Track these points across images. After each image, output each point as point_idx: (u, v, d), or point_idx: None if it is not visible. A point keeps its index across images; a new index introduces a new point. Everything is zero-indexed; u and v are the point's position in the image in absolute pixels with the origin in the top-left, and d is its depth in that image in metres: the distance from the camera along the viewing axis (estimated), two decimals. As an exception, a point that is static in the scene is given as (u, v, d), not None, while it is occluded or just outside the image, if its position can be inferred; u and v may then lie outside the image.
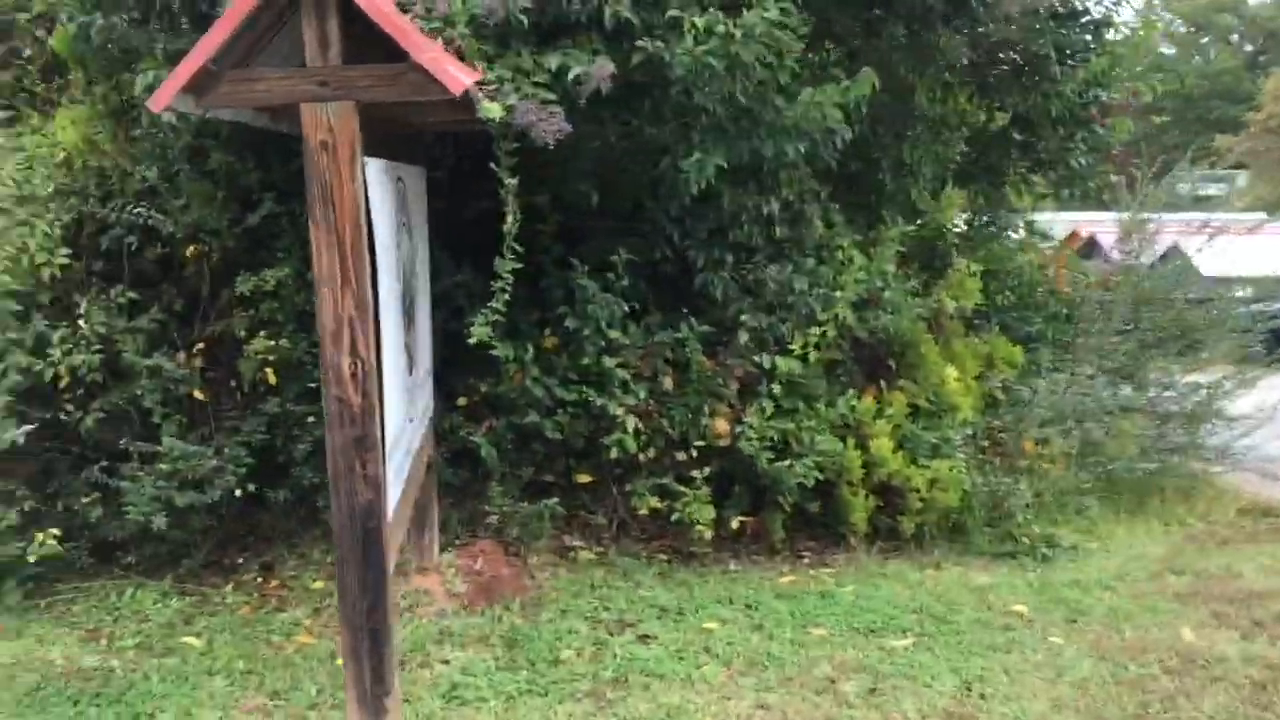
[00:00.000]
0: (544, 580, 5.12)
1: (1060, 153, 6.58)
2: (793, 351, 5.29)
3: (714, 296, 5.52)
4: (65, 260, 4.69)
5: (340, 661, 3.45)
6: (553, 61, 3.78)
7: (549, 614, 4.72)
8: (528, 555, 5.40)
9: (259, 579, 5.04)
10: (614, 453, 5.34)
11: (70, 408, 4.69)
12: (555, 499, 5.47)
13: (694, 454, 5.49)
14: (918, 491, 5.82)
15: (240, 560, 5.22)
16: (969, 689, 4.04)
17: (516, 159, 3.71)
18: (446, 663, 4.19)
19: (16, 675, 3.95)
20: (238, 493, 4.82)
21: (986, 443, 6.51)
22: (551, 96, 3.74)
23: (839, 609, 4.86)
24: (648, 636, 4.51)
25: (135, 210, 4.83)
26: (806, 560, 5.72)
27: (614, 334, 5.39)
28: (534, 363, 5.29)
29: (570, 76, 3.76)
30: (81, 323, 4.65)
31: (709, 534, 5.42)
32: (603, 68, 3.72)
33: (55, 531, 4.45)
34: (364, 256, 3.15)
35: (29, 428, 4.44)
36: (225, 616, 4.60)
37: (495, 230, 5.65)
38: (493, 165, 3.72)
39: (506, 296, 3.90)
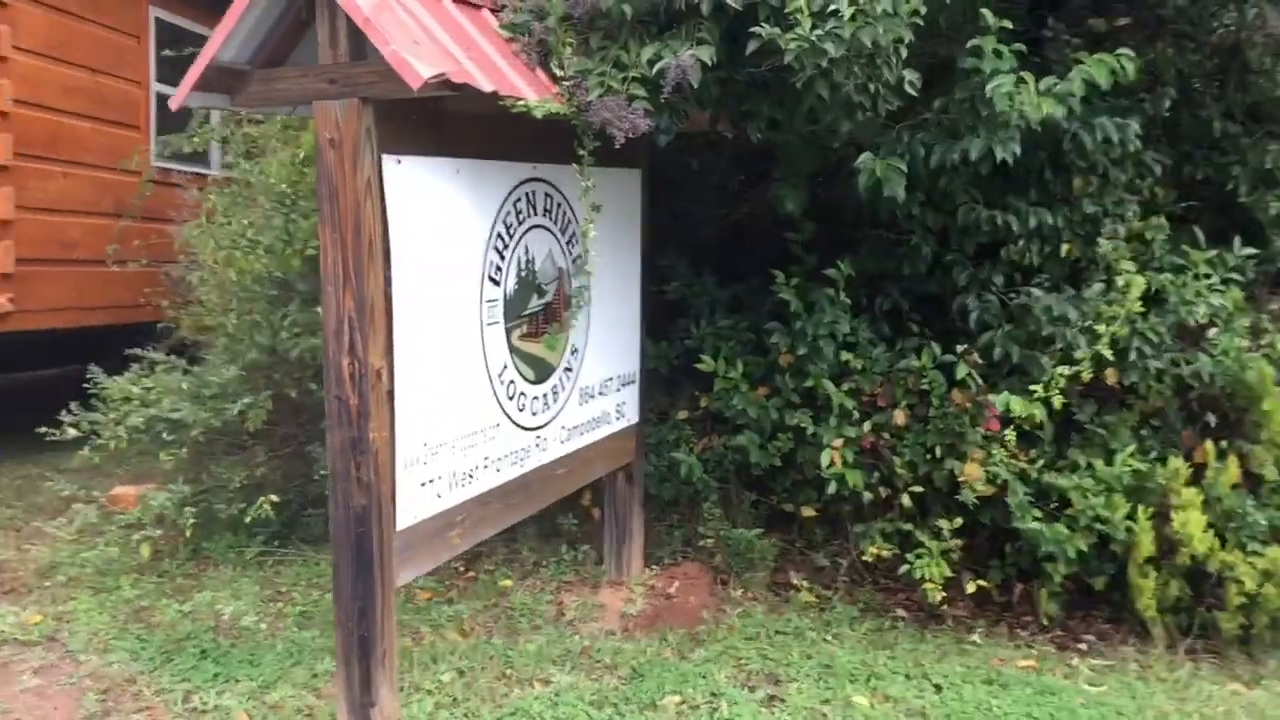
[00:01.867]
0: (731, 615, 4.73)
1: None
2: (1033, 394, 4.39)
3: (970, 323, 4.76)
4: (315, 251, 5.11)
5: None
6: (647, 53, 3.45)
7: (700, 653, 4.35)
8: (736, 586, 5.03)
9: (460, 566, 5.16)
10: (833, 487, 4.79)
11: (314, 386, 5.12)
12: (772, 531, 5.04)
13: (935, 502, 4.78)
14: (1240, 584, 4.61)
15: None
16: None
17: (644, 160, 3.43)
18: (546, 683, 4.02)
19: (179, 624, 4.39)
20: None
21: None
22: (641, 92, 3.42)
23: (1060, 710, 3.97)
24: (776, 700, 4.00)
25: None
26: (1083, 647, 4.75)
27: (846, 356, 4.84)
28: (743, 379, 4.89)
29: (655, 69, 3.41)
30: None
31: (938, 595, 4.68)
32: (683, 56, 3.32)
33: (274, 497, 4.86)
34: (367, 256, 3.08)
35: (258, 398, 4.91)
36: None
37: (748, 237, 5.37)
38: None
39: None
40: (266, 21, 3.17)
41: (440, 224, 3.41)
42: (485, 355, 3.70)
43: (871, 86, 3.45)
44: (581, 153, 3.45)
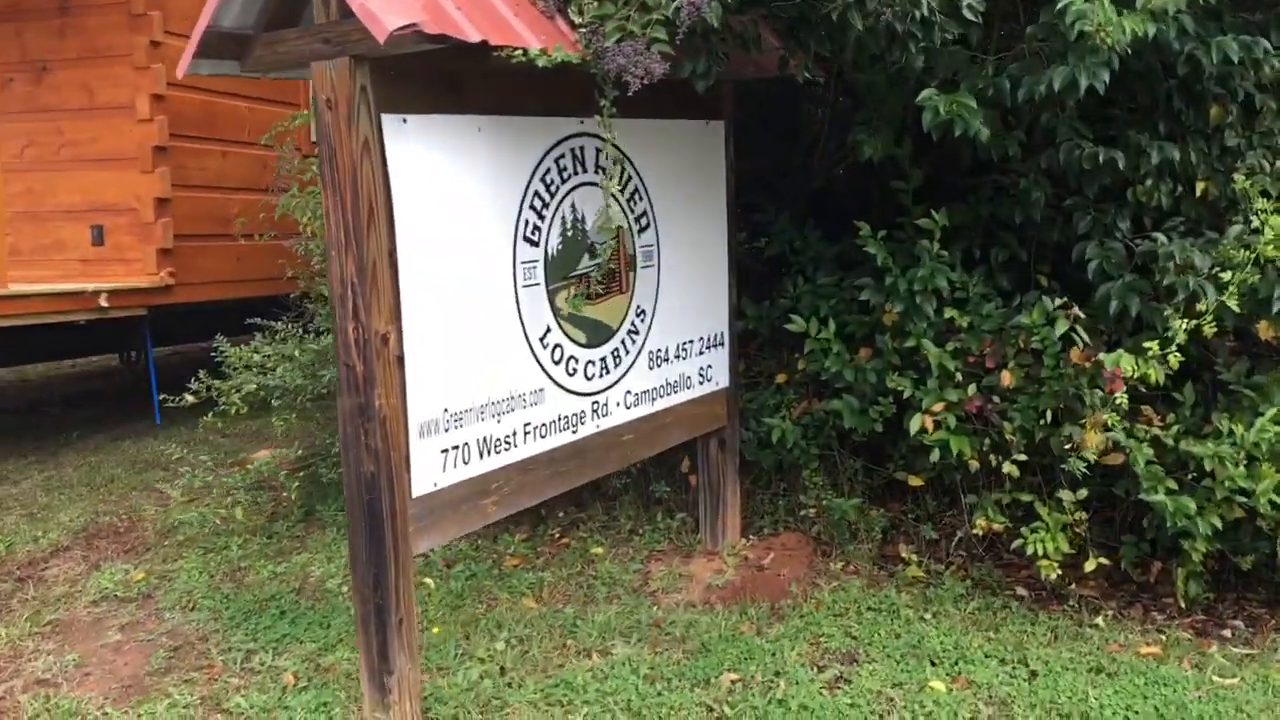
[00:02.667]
0: (824, 589, 4.47)
1: None
2: (1148, 352, 3.89)
3: (1089, 273, 4.29)
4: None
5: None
6: (666, -9, 3.22)
7: (779, 628, 4.13)
8: (837, 559, 4.76)
9: (555, 533, 5.11)
10: (935, 455, 4.44)
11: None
12: (884, 501, 4.73)
13: (1058, 472, 4.37)
14: None
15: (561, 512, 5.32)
16: None
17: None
18: (606, 654, 3.90)
19: (268, 585, 4.52)
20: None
21: None
22: (662, 35, 3.20)
23: (1167, 705, 3.56)
24: (843, 681, 3.74)
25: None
26: (1226, 634, 4.24)
27: (951, 313, 4.47)
28: (837, 339, 4.59)
29: (673, 9, 3.18)
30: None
31: (1054, 573, 4.27)
32: (694, -8, 3.08)
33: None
34: (367, 219, 3.02)
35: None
36: (484, 564, 4.76)
37: (859, 188, 5.05)
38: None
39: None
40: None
41: (459, 185, 3.31)
42: (522, 319, 3.59)
43: (916, 13, 3.11)
44: (603, 102, 3.26)
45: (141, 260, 7.00)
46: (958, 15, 3.25)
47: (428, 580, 4.56)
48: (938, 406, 4.39)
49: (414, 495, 3.22)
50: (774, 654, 3.91)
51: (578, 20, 3.29)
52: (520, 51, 3.05)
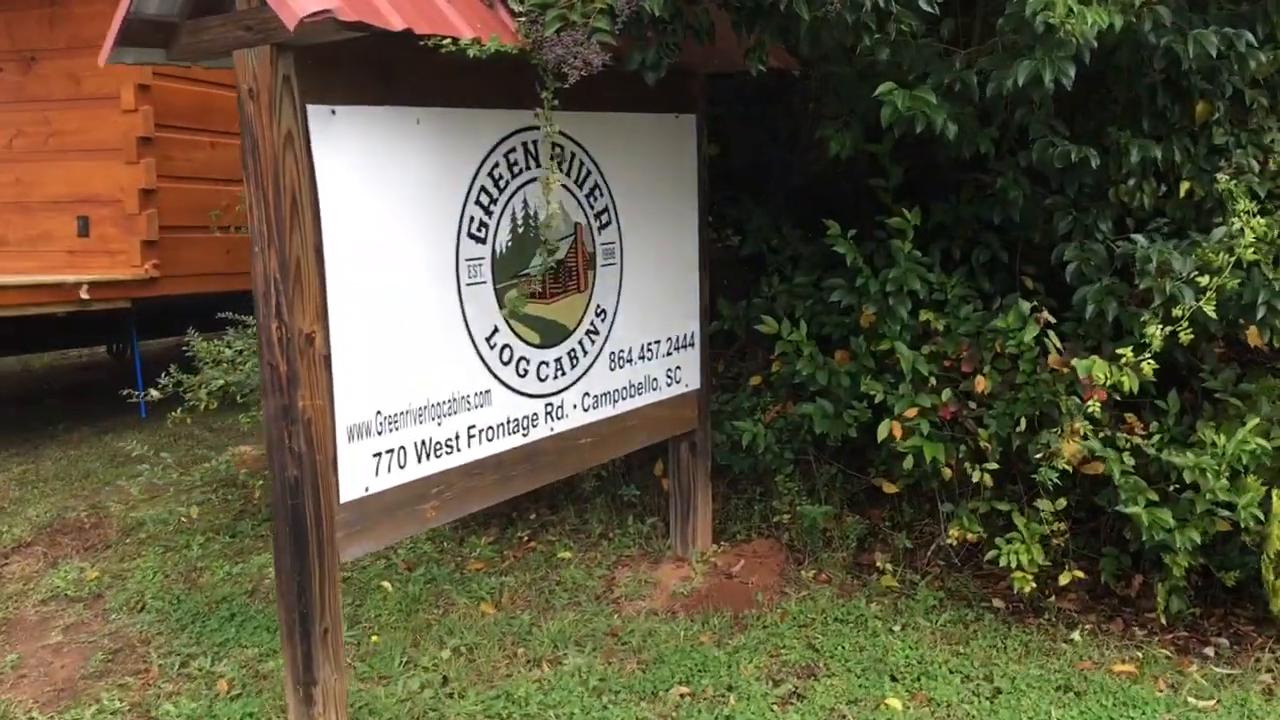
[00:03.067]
0: (791, 599, 4.34)
1: None
2: (1121, 359, 3.73)
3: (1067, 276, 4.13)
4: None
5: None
6: (606, -22, 3.09)
7: (739, 639, 4.00)
8: (810, 567, 4.62)
9: (524, 535, 4.99)
10: (909, 462, 4.30)
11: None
12: (862, 508, 4.59)
13: (1034, 480, 4.21)
14: (1403, 589, 3.83)
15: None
16: None
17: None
18: (557, 664, 3.79)
19: (221, 586, 4.43)
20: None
21: None
22: (603, 24, 3.07)
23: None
24: (797, 697, 3.61)
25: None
26: (1209, 652, 4.07)
27: (926, 315, 4.32)
28: (808, 341, 4.45)
29: (612, -5, 3.04)
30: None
31: (1028, 585, 4.11)
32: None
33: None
34: (290, 214, 2.91)
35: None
36: (446, 567, 4.65)
37: (839, 186, 4.90)
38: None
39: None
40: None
41: (393, 178, 3.19)
42: (465, 318, 3.47)
43: (866, 3, 2.96)
44: (543, 94, 3.13)
45: (126, 252, 6.93)
46: (914, 7, 3.09)
47: (385, 584, 4.46)
48: (910, 412, 4.25)
49: (342, 500, 3.11)
50: (730, 666, 3.78)
51: (518, 9, 3.16)
52: (449, 41, 2.92)
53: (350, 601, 4.26)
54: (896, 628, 4.13)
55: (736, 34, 3.55)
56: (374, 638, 3.96)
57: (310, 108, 2.94)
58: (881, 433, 4.17)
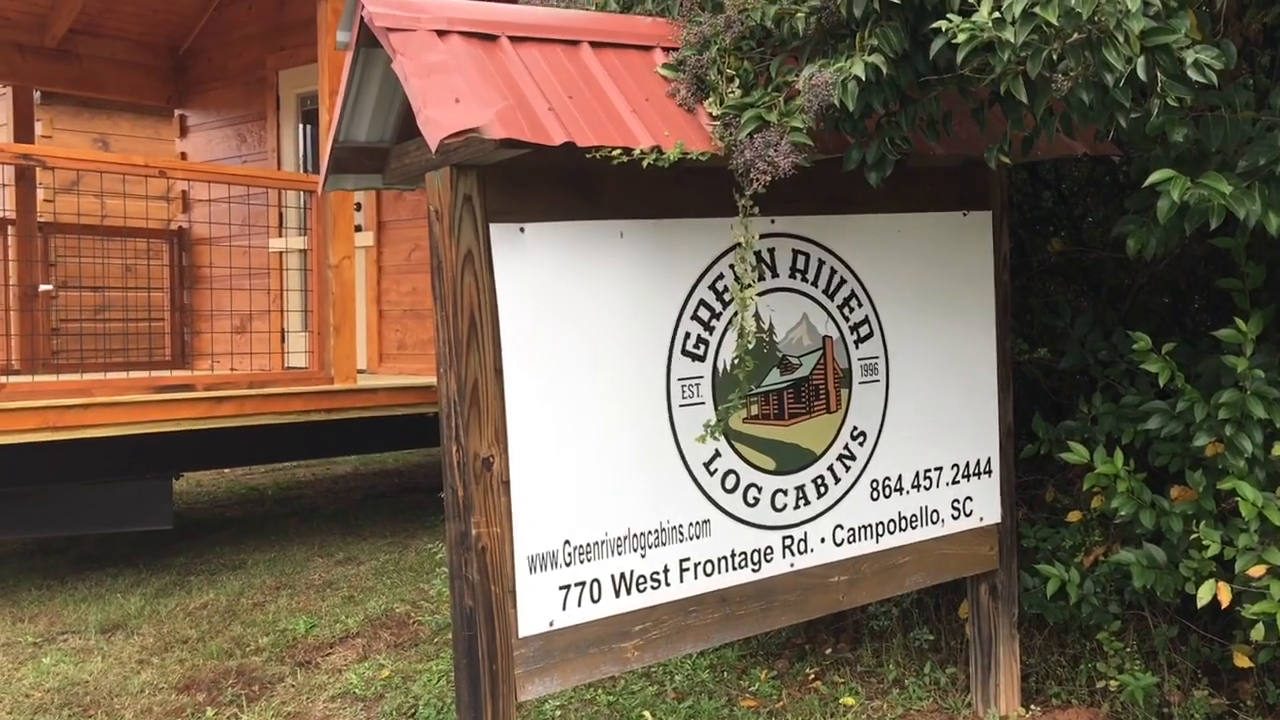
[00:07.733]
0: (1102, 788, 3.58)
1: None
2: None
3: None
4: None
5: None
6: (805, 74, 2.76)
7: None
8: (1140, 748, 3.81)
9: (811, 673, 4.55)
10: (1258, 632, 3.43)
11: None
12: (1223, 682, 3.75)
13: None
14: None
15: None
16: None
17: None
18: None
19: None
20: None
21: None
22: (798, 123, 2.76)
23: None
24: None
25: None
26: None
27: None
28: (1131, 475, 3.70)
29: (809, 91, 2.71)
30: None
31: None
32: (819, 75, 2.61)
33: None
34: (466, 334, 2.85)
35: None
36: (718, 700, 4.31)
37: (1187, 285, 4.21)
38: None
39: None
40: (374, 102, 3.08)
41: (592, 295, 3.03)
42: (679, 441, 3.21)
43: (1110, 78, 2.41)
44: (740, 201, 2.85)
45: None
46: (1182, 77, 2.48)
47: (646, 713, 4.22)
48: (1256, 570, 3.39)
49: (522, 634, 2.94)
50: None
51: (714, 112, 2.92)
52: (619, 151, 2.74)
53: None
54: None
55: (963, 125, 3.08)
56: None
57: (494, 226, 2.87)
58: (1203, 596, 3.36)
